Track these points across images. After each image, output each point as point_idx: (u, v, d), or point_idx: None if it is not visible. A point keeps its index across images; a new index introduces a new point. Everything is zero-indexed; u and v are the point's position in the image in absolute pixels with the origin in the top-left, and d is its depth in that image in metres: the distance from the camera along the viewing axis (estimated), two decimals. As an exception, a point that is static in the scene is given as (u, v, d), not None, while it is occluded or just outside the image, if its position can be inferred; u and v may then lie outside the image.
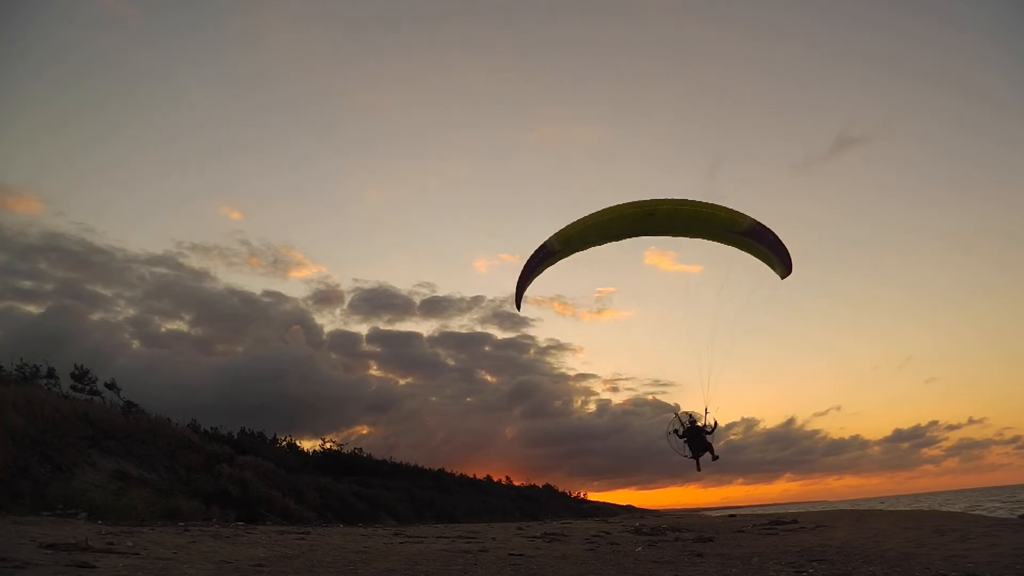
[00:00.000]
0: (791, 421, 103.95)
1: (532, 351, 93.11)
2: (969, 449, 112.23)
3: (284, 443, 32.19)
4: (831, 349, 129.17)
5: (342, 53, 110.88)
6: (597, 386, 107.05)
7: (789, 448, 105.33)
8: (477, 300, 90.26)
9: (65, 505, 12.01)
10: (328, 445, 34.97)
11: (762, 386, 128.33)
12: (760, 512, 44.29)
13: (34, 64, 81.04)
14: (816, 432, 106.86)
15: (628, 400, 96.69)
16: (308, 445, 34.39)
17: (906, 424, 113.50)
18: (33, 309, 57.77)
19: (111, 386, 22.30)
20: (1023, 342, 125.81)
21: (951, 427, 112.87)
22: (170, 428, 21.90)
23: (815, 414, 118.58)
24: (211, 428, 27.58)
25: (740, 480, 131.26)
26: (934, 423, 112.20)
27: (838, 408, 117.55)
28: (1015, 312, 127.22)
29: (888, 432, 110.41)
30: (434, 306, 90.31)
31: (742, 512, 43.67)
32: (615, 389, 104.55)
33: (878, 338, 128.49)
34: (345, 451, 35.32)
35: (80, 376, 21.92)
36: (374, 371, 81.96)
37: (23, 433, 14.47)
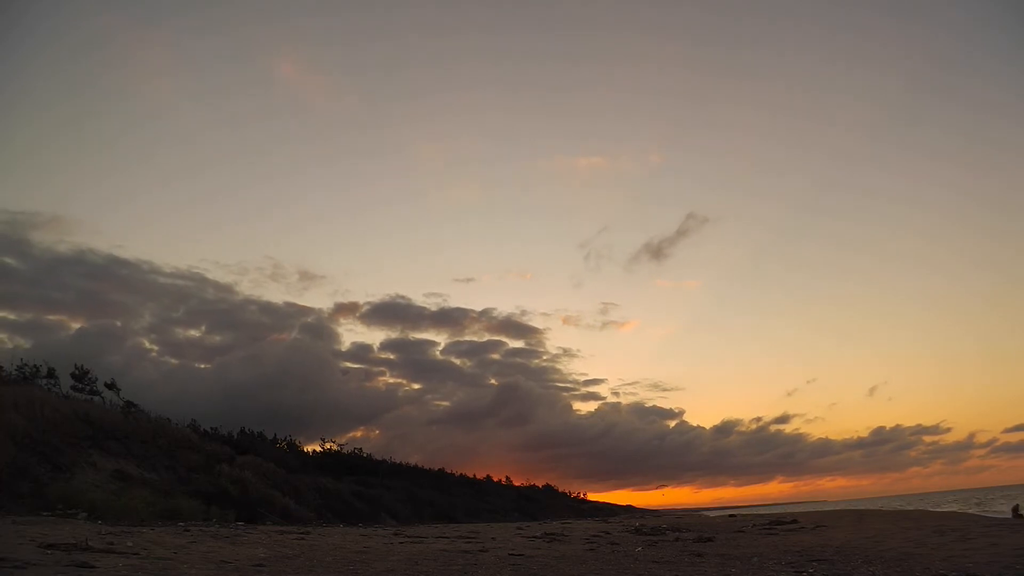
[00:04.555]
0: (770, 423, 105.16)
1: (540, 359, 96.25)
2: (953, 452, 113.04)
3: (284, 443, 32.17)
4: (817, 351, 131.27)
5: (358, 84, 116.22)
6: (601, 391, 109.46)
7: (771, 451, 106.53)
8: (486, 312, 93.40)
9: (65, 505, 12.00)
10: (328, 445, 34.97)
11: (744, 388, 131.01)
12: (759, 512, 44.30)
13: (66, 99, 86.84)
14: (797, 435, 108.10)
15: (630, 403, 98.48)
16: (308, 445, 34.43)
17: (887, 426, 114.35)
18: (61, 321, 58.94)
19: (111, 386, 22.29)
20: (990, 346, 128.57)
21: (925, 430, 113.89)
22: (170, 428, 21.90)
23: (788, 416, 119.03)
24: (211, 428, 27.61)
25: (732, 483, 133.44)
26: (910, 427, 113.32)
27: (817, 412, 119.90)
28: (990, 316, 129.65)
29: (864, 434, 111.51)
30: (445, 317, 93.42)
31: (741, 512, 43.68)
32: (617, 394, 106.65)
33: (850, 343, 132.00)
34: (345, 451, 35.33)
35: (80, 376, 21.91)
36: (386, 378, 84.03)
37: (23, 433, 14.47)
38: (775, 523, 18.97)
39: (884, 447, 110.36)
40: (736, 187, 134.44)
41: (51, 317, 58.01)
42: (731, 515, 34.32)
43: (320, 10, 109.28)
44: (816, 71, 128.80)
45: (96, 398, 21.53)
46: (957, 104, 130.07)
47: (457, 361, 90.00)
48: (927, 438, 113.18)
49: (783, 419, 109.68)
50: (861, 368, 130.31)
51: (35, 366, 21.17)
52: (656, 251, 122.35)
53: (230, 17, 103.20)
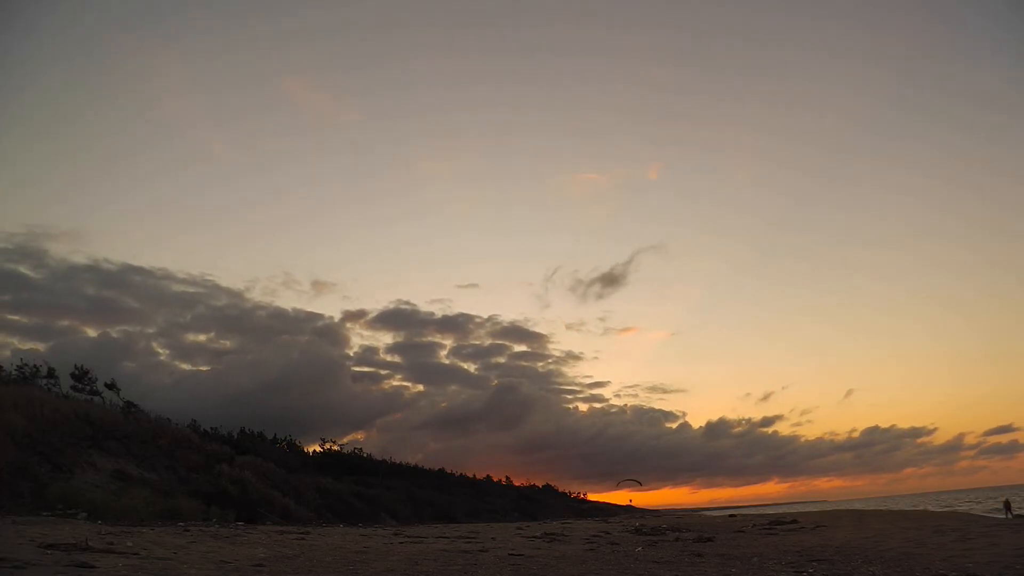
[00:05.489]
0: (758, 426, 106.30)
1: (545, 361, 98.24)
2: (943, 454, 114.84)
3: (284, 443, 32.13)
4: (798, 354, 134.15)
5: (365, 101, 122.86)
6: (605, 393, 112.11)
7: (764, 453, 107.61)
8: (492, 318, 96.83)
9: (65, 505, 11.99)
10: (328, 445, 34.95)
11: (734, 390, 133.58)
12: (759, 512, 44.30)
13: (86, 118, 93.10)
14: (788, 438, 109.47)
15: (632, 406, 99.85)
16: (308, 445, 34.43)
17: (881, 426, 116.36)
18: (76, 326, 61.08)
19: (111, 386, 22.29)
20: (978, 347, 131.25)
21: (916, 432, 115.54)
22: (170, 428, 21.88)
23: (771, 419, 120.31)
24: (211, 428, 27.59)
25: (728, 484, 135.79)
26: (904, 429, 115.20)
27: (805, 414, 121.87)
28: (973, 318, 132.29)
29: (855, 436, 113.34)
30: (450, 323, 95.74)
31: (741, 512, 43.67)
32: (619, 396, 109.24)
33: (842, 345, 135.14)
34: (345, 451, 35.31)
35: (80, 376, 21.90)
36: (392, 381, 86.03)
37: (23, 433, 14.46)
38: (775, 523, 18.98)
39: (872, 449, 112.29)
40: (729, 199, 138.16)
41: (66, 322, 60.30)
42: (731, 515, 34.35)
43: (329, 30, 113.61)
44: (810, 65, 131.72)
45: (96, 398, 21.53)
46: (942, 100, 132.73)
47: (463, 365, 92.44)
48: (915, 440, 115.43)
49: (767, 422, 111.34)
50: (836, 373, 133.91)
51: (35, 366, 21.18)
52: (653, 259, 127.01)
53: (243, 38, 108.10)
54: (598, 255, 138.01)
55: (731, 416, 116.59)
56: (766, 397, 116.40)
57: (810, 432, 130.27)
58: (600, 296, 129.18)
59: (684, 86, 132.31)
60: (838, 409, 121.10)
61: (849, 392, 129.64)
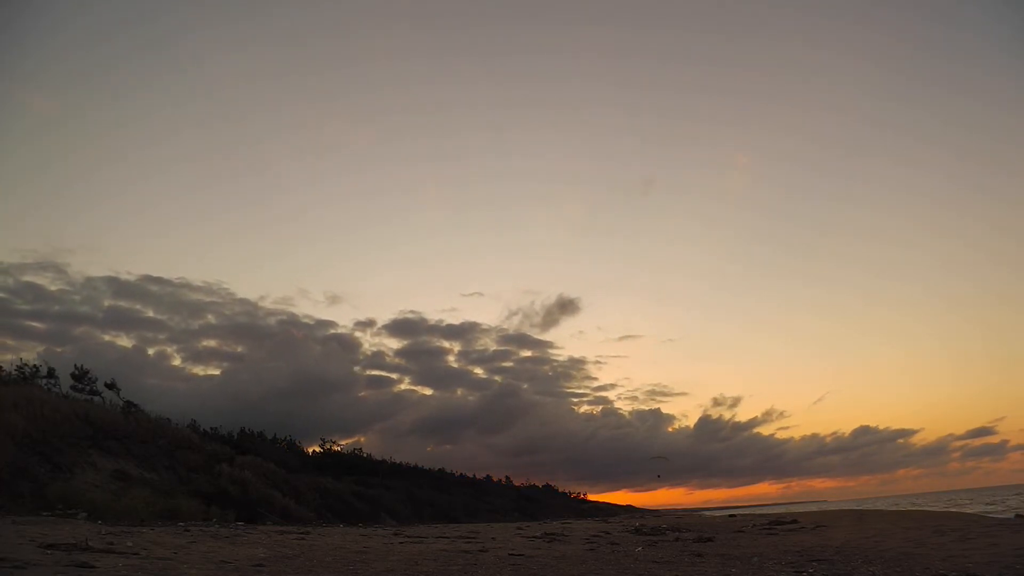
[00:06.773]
0: (746, 427, 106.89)
1: (550, 365, 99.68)
2: (932, 455, 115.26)
3: (284, 443, 32.15)
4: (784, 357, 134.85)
5: (373, 122, 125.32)
6: (608, 396, 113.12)
7: (755, 455, 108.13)
8: (497, 327, 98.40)
9: (65, 505, 12.00)
10: (328, 445, 34.97)
11: (727, 391, 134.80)
12: (758, 512, 44.33)
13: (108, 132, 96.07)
14: (778, 440, 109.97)
15: (633, 410, 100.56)
16: (309, 446, 34.46)
17: (862, 429, 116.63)
18: (94, 335, 61.53)
19: (111, 386, 22.30)
20: (971, 347, 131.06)
21: (903, 433, 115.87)
22: (170, 428, 21.89)
23: (765, 419, 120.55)
24: (211, 428, 27.61)
25: (724, 485, 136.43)
26: (890, 430, 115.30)
27: (785, 416, 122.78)
28: (962, 319, 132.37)
29: (845, 438, 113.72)
30: (457, 330, 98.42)
31: (740, 512, 43.69)
32: (620, 397, 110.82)
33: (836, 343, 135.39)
34: (345, 451, 35.33)
35: (80, 376, 21.91)
36: (401, 386, 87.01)
37: (23, 433, 14.47)
38: (775, 523, 18.98)
39: (861, 451, 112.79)
40: (727, 198, 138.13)
41: (83, 329, 60.64)
42: (731, 515, 34.35)
43: (338, 56, 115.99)
44: (809, 61, 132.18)
45: (96, 398, 21.54)
46: (939, 94, 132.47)
47: (470, 369, 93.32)
48: (903, 441, 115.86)
49: (755, 423, 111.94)
50: (812, 375, 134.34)
51: (35, 366, 21.19)
52: (654, 261, 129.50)
53: (256, 61, 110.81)
54: (599, 258, 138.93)
55: (726, 416, 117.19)
56: (753, 398, 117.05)
57: (796, 434, 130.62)
58: (601, 299, 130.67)
59: (684, 84, 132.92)
60: (814, 411, 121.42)
61: (822, 397, 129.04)
